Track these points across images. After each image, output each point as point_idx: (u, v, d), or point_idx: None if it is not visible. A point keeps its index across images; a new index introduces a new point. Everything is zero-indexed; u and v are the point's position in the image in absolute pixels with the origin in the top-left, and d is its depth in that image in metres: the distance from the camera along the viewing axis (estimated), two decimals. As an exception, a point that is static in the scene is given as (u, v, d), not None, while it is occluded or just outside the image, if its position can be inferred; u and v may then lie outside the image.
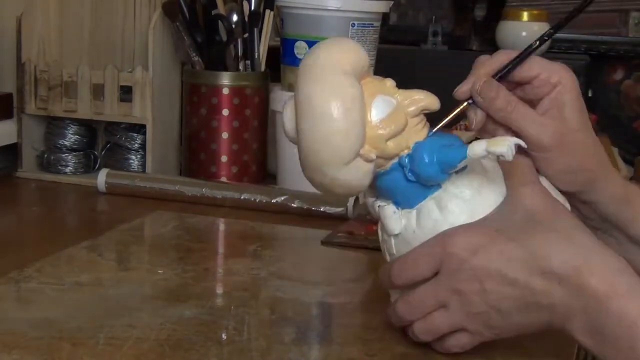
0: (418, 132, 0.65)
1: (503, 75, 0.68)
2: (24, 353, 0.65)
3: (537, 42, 0.71)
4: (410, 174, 0.65)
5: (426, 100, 0.65)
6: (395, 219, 0.67)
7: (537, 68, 0.68)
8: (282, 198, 1.09)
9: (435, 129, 0.67)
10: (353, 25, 1.13)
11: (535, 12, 1.87)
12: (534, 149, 0.67)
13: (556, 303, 0.61)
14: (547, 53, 1.88)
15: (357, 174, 0.64)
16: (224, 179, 1.20)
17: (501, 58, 0.69)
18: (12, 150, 1.24)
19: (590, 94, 1.83)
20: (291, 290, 0.82)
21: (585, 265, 0.61)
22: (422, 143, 0.65)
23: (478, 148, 0.62)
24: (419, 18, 2.13)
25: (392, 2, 1.21)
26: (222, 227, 1.06)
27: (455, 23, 1.97)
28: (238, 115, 1.21)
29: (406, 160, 0.65)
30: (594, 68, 1.91)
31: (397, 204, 0.67)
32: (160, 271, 0.86)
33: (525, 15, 1.85)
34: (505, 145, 0.61)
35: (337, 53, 0.63)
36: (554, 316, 0.62)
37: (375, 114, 0.63)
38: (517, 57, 0.69)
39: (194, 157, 1.22)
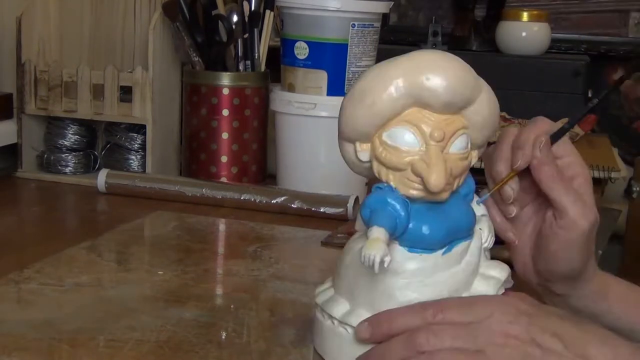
0: (404, 185, 0.63)
1: (558, 136, 0.67)
2: (23, 355, 0.65)
3: (596, 101, 0.71)
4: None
5: (429, 180, 0.61)
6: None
7: (562, 150, 0.68)
8: (282, 198, 1.09)
9: (486, 196, 0.66)
10: (353, 25, 1.13)
11: (535, 12, 1.87)
12: (567, 227, 0.66)
13: None
14: (547, 53, 1.88)
15: (347, 155, 0.66)
16: (224, 179, 1.20)
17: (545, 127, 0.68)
18: (12, 150, 1.24)
19: (590, 94, 1.83)
20: (291, 291, 0.82)
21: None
22: (382, 190, 0.63)
23: (370, 234, 0.60)
24: (419, 18, 2.13)
25: (392, 3, 1.21)
26: (222, 227, 1.06)
27: (455, 23, 1.96)
28: (238, 116, 1.21)
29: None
30: (594, 68, 1.90)
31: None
32: (160, 272, 0.86)
33: (525, 16, 1.85)
34: (372, 251, 0.58)
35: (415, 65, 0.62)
36: None
37: (388, 135, 0.63)
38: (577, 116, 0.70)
39: (194, 158, 1.22)
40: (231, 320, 0.74)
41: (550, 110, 1.66)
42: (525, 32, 1.84)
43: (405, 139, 0.62)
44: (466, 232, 0.65)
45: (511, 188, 0.67)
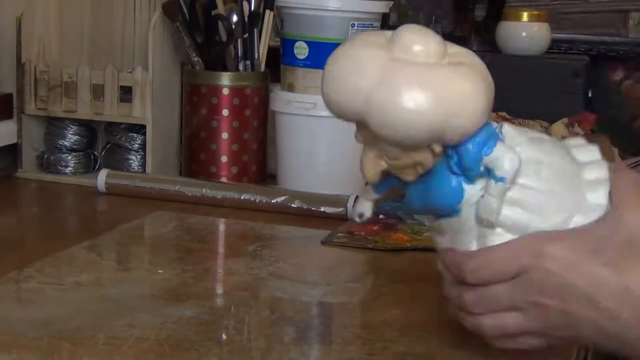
0: None
1: None
2: (23, 353, 0.65)
3: None
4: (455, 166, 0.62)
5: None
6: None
7: None
8: (282, 198, 1.09)
9: None
10: (353, 25, 1.13)
11: (535, 12, 1.87)
12: None
13: (637, 338, 0.60)
14: (547, 53, 1.88)
15: None
16: (224, 179, 1.20)
17: None
18: (12, 151, 1.24)
19: (590, 94, 1.83)
20: (291, 290, 0.82)
21: None
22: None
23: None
24: (419, 18, 2.12)
25: (392, 2, 1.21)
26: (222, 227, 1.06)
27: (455, 23, 1.96)
28: (238, 116, 1.21)
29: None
30: (594, 68, 1.90)
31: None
32: (160, 271, 0.86)
33: (525, 16, 1.85)
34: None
35: None
36: (623, 346, 0.61)
37: None
38: None
39: (194, 157, 1.22)
40: (231, 319, 0.74)
41: (550, 110, 1.67)
42: (525, 32, 1.84)
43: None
44: None
45: None
